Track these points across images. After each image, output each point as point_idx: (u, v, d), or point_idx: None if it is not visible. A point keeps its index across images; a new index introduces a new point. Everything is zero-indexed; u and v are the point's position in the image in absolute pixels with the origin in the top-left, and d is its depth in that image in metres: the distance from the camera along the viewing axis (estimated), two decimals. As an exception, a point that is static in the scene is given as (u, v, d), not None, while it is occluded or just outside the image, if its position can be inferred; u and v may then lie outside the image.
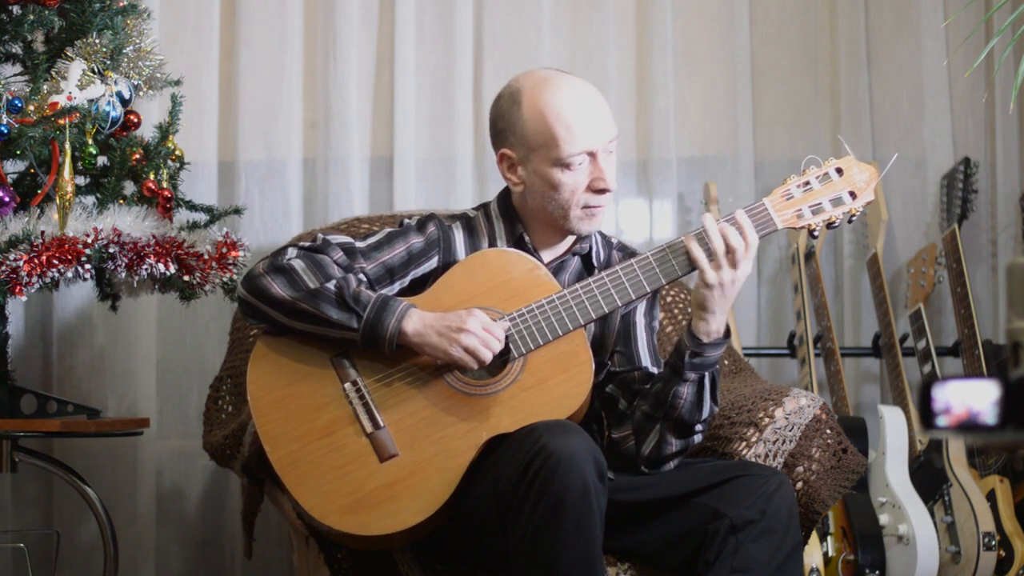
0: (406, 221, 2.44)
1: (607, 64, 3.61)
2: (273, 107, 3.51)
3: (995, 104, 3.65)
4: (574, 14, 3.63)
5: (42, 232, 2.54)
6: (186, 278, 2.71)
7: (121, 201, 2.74)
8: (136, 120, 2.81)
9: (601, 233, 2.52)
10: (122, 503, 3.38)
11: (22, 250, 2.52)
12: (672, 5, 3.63)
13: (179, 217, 2.86)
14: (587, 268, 2.47)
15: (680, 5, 3.66)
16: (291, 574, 3.29)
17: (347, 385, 2.30)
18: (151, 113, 3.19)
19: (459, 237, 2.43)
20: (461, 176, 3.55)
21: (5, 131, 2.54)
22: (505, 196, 2.46)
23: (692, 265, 2.29)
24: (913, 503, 3.20)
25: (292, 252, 2.33)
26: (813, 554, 3.16)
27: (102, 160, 2.79)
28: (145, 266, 2.62)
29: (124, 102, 2.74)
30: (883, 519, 3.22)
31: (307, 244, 2.36)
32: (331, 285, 2.27)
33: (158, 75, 2.83)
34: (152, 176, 2.78)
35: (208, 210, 2.94)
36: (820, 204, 2.33)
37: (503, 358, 2.29)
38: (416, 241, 2.40)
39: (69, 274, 2.56)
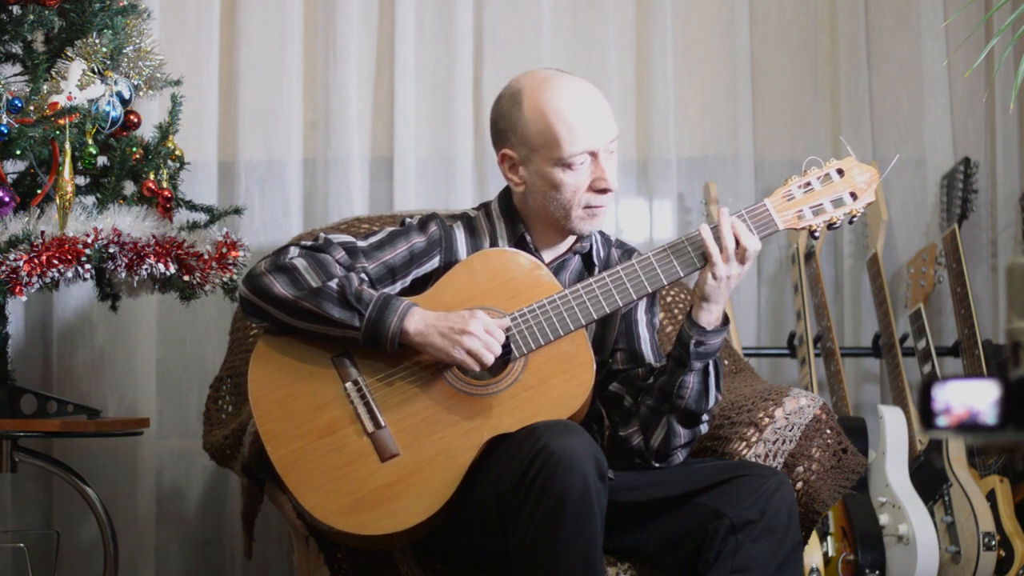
0: (408, 220, 2.44)
1: (607, 64, 3.61)
2: (273, 107, 3.51)
3: (995, 104, 3.65)
4: (574, 14, 3.63)
5: (42, 232, 2.54)
6: (186, 278, 2.71)
7: (121, 201, 2.74)
8: (136, 120, 2.81)
9: (600, 231, 2.52)
10: (122, 503, 3.38)
11: (22, 250, 2.52)
12: (672, 5, 3.63)
13: (179, 217, 2.86)
14: (587, 266, 2.47)
15: (680, 5, 3.66)
16: (291, 574, 3.29)
17: (348, 384, 2.30)
18: (151, 113, 3.19)
19: (461, 237, 2.43)
20: (461, 176, 3.55)
21: (5, 131, 2.54)
22: (506, 196, 2.46)
23: (696, 264, 2.30)
24: (913, 503, 3.20)
25: (294, 251, 2.33)
26: (813, 554, 3.16)
27: (102, 160, 2.79)
28: (145, 266, 2.62)
29: (124, 102, 2.74)
30: (883, 519, 3.22)
31: (309, 243, 2.36)
32: (333, 284, 2.27)
33: (158, 75, 2.83)
34: (152, 176, 2.78)
35: (208, 210, 2.94)
36: (821, 205, 2.34)
37: (504, 358, 2.29)
38: (418, 240, 2.40)
39: (69, 274, 2.56)
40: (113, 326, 3.40)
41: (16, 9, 2.74)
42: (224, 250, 2.75)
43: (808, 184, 2.34)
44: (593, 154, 2.33)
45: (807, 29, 3.72)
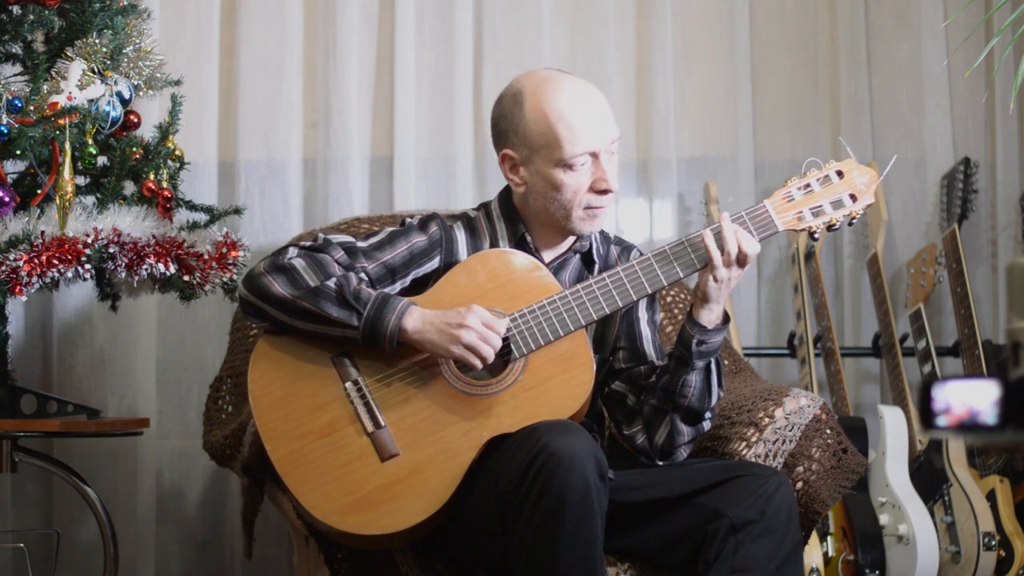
0: (408, 220, 2.44)
1: (607, 64, 3.61)
2: (273, 107, 3.51)
3: (995, 104, 3.65)
4: (574, 14, 3.63)
5: (42, 232, 2.54)
6: (186, 278, 2.71)
7: (121, 201, 2.74)
8: (136, 120, 2.81)
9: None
10: (122, 503, 3.38)
11: (22, 250, 2.52)
12: (672, 5, 3.63)
13: (179, 217, 2.86)
14: (587, 264, 2.47)
15: (680, 5, 3.66)
16: (291, 574, 3.28)
17: (348, 384, 2.30)
18: (151, 113, 3.19)
19: (461, 237, 2.43)
20: (461, 176, 3.55)
21: (5, 131, 2.54)
22: (506, 196, 2.46)
23: (696, 266, 2.30)
24: (913, 503, 3.20)
25: (293, 251, 2.33)
26: (813, 554, 3.16)
27: (102, 160, 2.79)
28: (145, 266, 2.62)
29: (124, 102, 2.74)
30: (883, 519, 3.23)
31: (308, 243, 2.36)
32: (331, 283, 2.27)
33: (158, 75, 2.83)
34: (152, 176, 2.78)
35: (208, 210, 2.94)
36: (821, 206, 2.34)
37: (504, 358, 2.29)
38: (418, 240, 2.40)
39: (69, 274, 2.56)
40: (113, 326, 3.40)
41: (16, 9, 2.74)
42: (224, 250, 2.75)
43: (808, 186, 2.34)
44: (594, 155, 2.33)
45: (807, 29, 3.72)
